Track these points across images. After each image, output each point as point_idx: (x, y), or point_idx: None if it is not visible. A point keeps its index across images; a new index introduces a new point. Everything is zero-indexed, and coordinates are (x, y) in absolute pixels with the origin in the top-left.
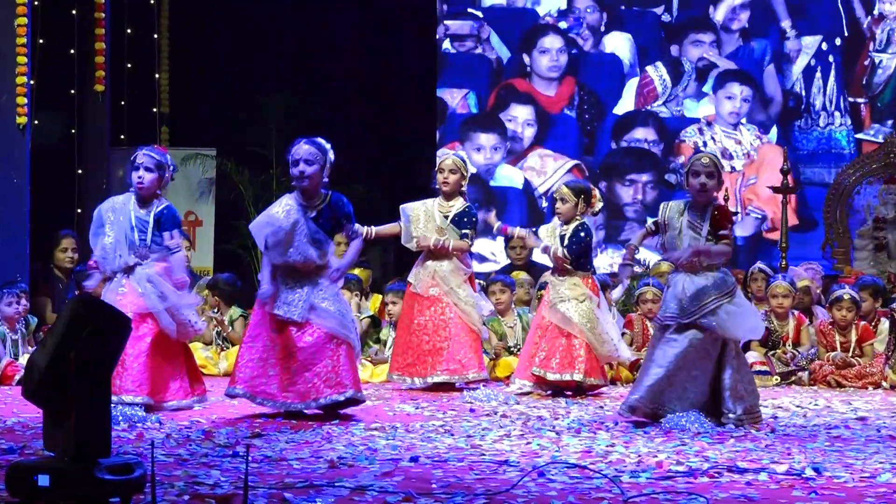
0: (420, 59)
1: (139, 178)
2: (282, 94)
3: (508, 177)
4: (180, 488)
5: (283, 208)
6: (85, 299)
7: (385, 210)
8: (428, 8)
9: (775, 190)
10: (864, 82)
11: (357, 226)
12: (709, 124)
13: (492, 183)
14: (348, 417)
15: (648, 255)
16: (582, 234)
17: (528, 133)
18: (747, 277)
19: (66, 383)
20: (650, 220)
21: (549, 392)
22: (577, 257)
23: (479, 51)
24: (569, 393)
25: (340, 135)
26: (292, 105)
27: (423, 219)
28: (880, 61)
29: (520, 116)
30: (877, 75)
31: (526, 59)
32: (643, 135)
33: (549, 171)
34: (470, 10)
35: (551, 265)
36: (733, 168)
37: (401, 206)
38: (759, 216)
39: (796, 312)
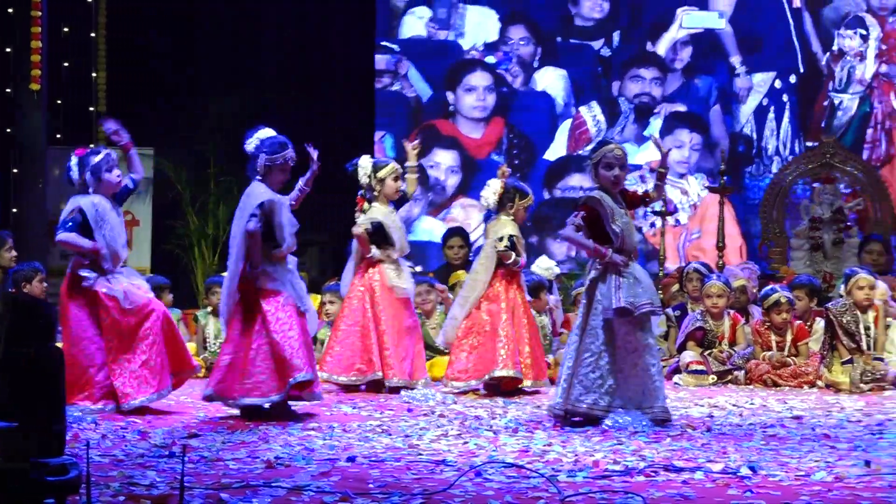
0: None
1: (118, 175)
2: (221, 95)
3: (429, 230)
4: (116, 489)
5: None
6: (24, 299)
7: (330, 212)
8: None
9: (712, 190)
10: (822, 125)
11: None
12: (652, 171)
13: (410, 237)
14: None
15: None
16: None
17: (452, 181)
18: (683, 277)
19: (12, 384)
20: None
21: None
22: None
23: (395, 87)
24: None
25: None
26: (231, 105)
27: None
28: (840, 102)
29: (443, 162)
30: (837, 117)
31: (450, 97)
32: (579, 182)
33: (473, 223)
34: (385, 42)
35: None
36: (678, 221)
37: (363, 217)
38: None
39: (732, 312)
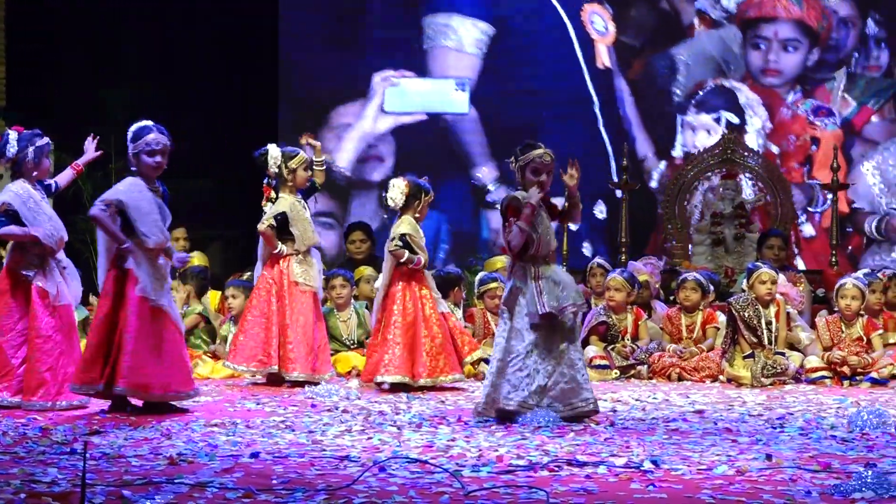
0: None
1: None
2: (122, 89)
3: None
4: (16, 486)
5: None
6: None
7: (234, 207)
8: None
9: (613, 185)
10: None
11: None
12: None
13: None
14: (184, 411)
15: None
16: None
17: None
18: (586, 272)
19: None
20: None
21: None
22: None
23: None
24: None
25: (184, 129)
26: (133, 100)
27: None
28: None
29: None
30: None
31: None
32: None
33: None
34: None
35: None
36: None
37: (269, 209)
38: None
39: (634, 307)
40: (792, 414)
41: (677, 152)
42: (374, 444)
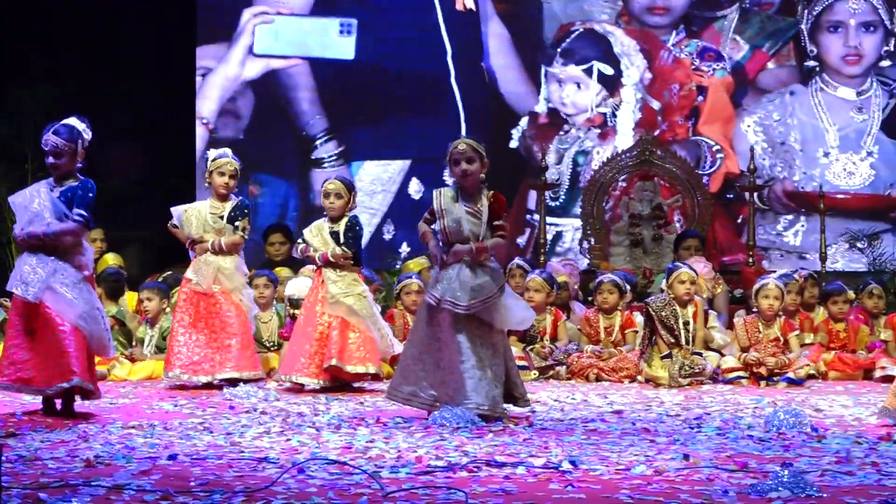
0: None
1: None
2: (37, 88)
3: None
4: None
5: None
6: None
7: (151, 208)
8: None
9: (532, 186)
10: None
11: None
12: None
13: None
14: (87, 415)
15: None
16: (358, 228)
17: None
18: (506, 273)
19: None
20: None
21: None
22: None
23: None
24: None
25: (100, 129)
26: (48, 98)
27: (196, 221)
28: None
29: None
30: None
31: None
32: None
33: None
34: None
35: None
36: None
37: (172, 209)
38: None
39: (553, 308)
40: (709, 414)
41: (541, 107)
42: (292, 446)
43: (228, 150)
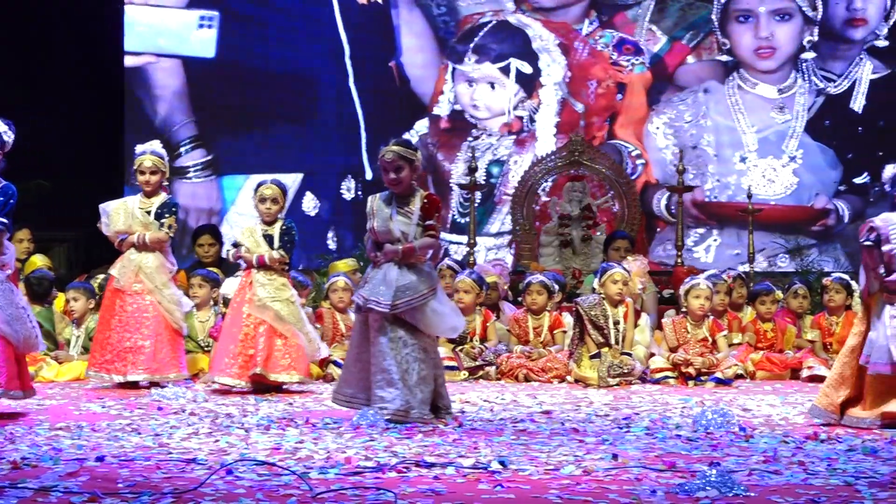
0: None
1: None
2: None
3: None
4: None
5: None
6: None
7: (78, 209)
8: None
9: (462, 186)
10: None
11: None
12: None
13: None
14: (14, 416)
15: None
16: (294, 233)
17: None
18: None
19: None
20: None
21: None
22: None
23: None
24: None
25: (27, 130)
26: None
27: (123, 216)
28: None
29: None
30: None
31: None
32: None
33: None
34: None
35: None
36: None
37: (100, 206)
38: None
39: (483, 308)
40: (638, 414)
41: (442, 110)
42: (221, 447)
43: (152, 145)
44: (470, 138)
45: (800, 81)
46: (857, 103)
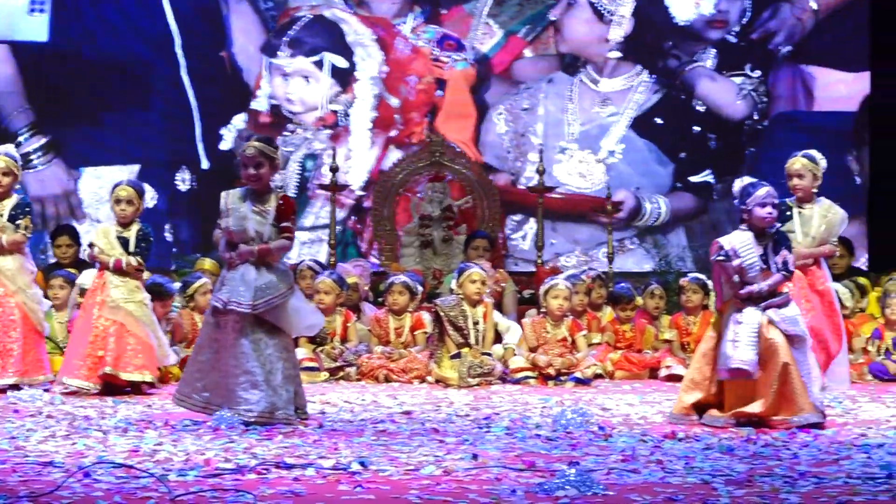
0: None
1: None
2: None
3: None
4: None
5: None
6: None
7: None
8: None
9: (324, 187)
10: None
11: None
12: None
13: None
14: None
15: None
16: (150, 238)
17: None
18: (296, 273)
19: None
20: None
21: (126, 390)
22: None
23: None
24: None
25: None
26: None
27: None
28: None
29: None
30: None
31: None
32: None
33: None
34: None
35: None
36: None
37: None
38: None
39: (344, 309)
40: (498, 414)
41: (261, 104)
42: (78, 450)
43: (6, 148)
44: (286, 133)
45: (643, 77)
46: (698, 103)
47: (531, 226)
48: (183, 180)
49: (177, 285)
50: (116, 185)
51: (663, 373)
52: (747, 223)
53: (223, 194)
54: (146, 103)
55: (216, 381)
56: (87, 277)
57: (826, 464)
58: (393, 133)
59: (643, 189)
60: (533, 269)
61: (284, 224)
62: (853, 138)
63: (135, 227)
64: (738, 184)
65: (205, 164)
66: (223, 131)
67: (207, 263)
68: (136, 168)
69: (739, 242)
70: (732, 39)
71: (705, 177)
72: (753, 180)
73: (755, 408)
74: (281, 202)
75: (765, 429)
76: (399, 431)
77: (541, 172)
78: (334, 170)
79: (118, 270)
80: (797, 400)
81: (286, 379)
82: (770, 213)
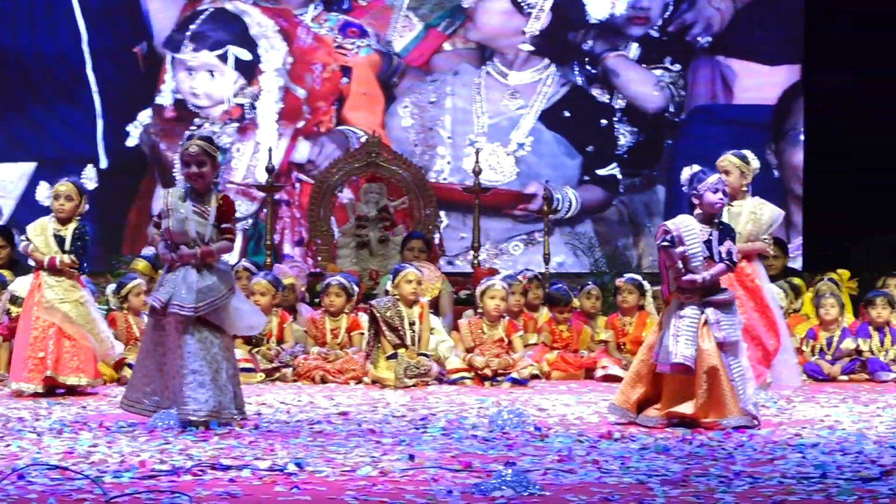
0: None
1: None
2: None
3: None
4: None
5: None
6: None
7: None
8: None
9: (259, 188)
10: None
11: None
12: None
13: None
14: None
15: None
16: (87, 237)
17: None
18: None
19: None
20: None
21: (60, 392)
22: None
23: None
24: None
25: None
26: None
27: None
28: None
29: None
30: None
31: None
32: None
33: None
34: None
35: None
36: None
37: None
38: None
39: (280, 310)
40: (434, 414)
41: (165, 100)
42: (12, 451)
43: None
44: (193, 127)
45: (552, 70)
46: (606, 97)
47: (442, 220)
48: (89, 179)
49: (111, 287)
50: (59, 182)
51: (599, 373)
52: (697, 208)
53: (163, 192)
54: (48, 100)
55: (165, 384)
56: (19, 284)
57: (761, 464)
58: (301, 124)
59: (552, 181)
60: (469, 269)
61: (225, 225)
62: (771, 131)
63: (72, 225)
64: (688, 171)
65: (104, 163)
66: (129, 128)
67: (141, 265)
68: (31, 166)
69: (685, 227)
70: (655, 34)
71: (612, 170)
72: (703, 168)
73: (686, 408)
74: (221, 202)
75: (699, 429)
76: (335, 432)
77: (476, 173)
78: (270, 170)
79: (52, 269)
80: (726, 403)
81: (230, 377)
82: (721, 200)
